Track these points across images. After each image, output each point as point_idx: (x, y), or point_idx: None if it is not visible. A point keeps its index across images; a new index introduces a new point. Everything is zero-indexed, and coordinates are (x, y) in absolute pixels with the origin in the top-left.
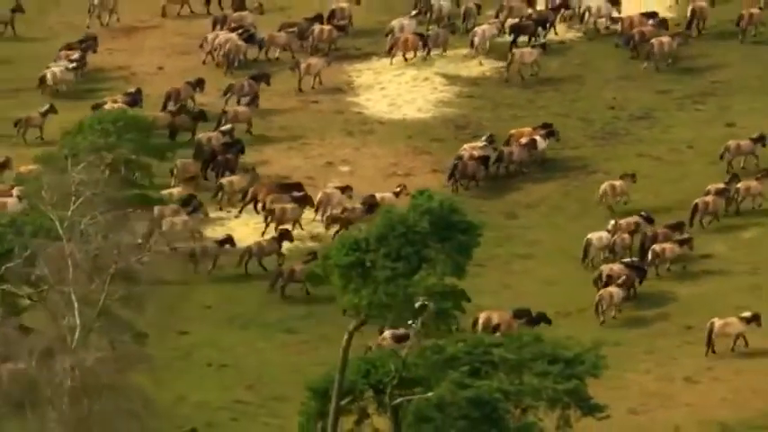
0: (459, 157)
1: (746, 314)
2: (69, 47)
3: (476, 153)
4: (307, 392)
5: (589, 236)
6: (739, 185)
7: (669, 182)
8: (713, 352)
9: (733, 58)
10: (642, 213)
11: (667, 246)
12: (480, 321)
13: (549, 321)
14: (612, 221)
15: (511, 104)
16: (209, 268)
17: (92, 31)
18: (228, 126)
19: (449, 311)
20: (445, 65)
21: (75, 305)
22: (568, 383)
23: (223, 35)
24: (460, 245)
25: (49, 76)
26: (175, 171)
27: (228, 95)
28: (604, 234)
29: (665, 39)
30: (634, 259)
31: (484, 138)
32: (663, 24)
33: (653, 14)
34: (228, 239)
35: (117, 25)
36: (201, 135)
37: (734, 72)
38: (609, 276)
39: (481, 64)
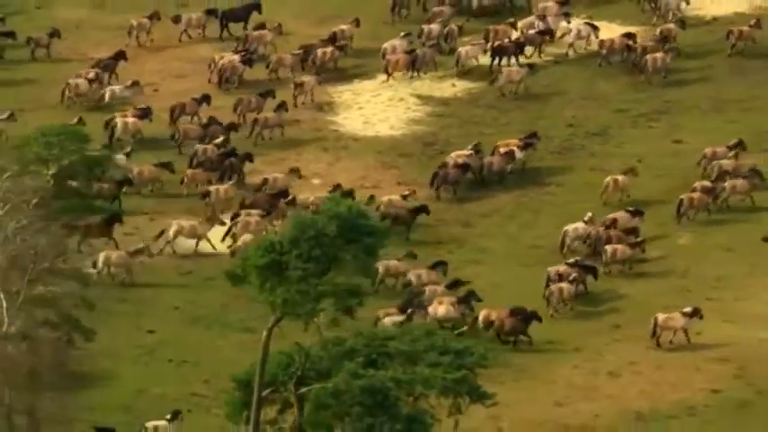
0: (444, 165)
1: (688, 309)
2: (98, 64)
3: (459, 161)
4: (232, 384)
5: (566, 227)
6: (726, 183)
7: None
8: (658, 345)
9: (688, 80)
10: (629, 208)
11: (619, 247)
12: (480, 318)
13: (539, 319)
14: (589, 214)
15: (478, 123)
16: None
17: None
18: (221, 138)
19: (353, 308)
20: (420, 86)
21: (4, 303)
22: (457, 373)
23: (228, 56)
24: (367, 247)
25: (108, 93)
26: (185, 180)
27: (239, 110)
28: (580, 225)
29: (659, 54)
30: (578, 259)
31: (470, 147)
32: (665, 40)
33: (631, 35)
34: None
35: (148, 46)
36: (197, 147)
37: (687, 92)
38: (560, 276)
39: (454, 85)
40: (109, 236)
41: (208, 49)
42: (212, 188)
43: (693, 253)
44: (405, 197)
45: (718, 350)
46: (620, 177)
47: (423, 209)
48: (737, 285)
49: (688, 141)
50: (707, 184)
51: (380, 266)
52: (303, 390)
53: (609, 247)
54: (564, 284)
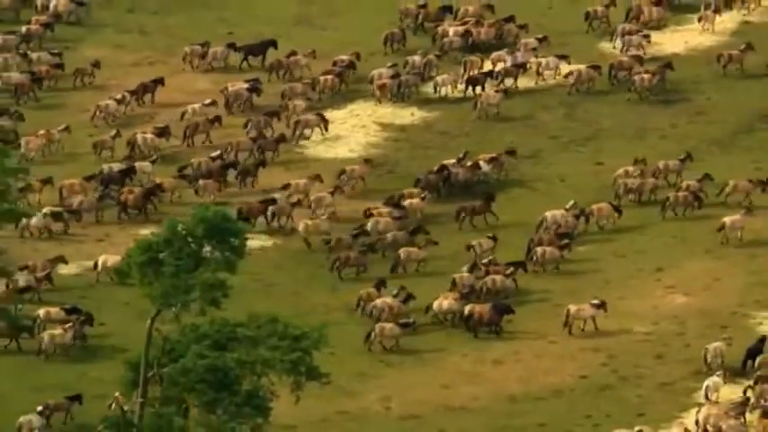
0: (430, 172)
1: (596, 301)
2: (138, 88)
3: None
4: (124, 366)
5: (546, 213)
6: (730, 182)
7: (538, 206)
8: (570, 333)
9: (619, 110)
10: (612, 202)
11: (548, 249)
12: (466, 311)
13: (512, 311)
14: (572, 201)
15: (427, 147)
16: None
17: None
18: (218, 152)
19: (218, 300)
20: (383, 114)
21: None
22: (293, 355)
23: (238, 85)
24: (231, 246)
25: (189, 110)
26: (199, 190)
27: (249, 128)
28: (558, 212)
29: (647, 75)
30: (491, 259)
31: (460, 155)
32: (668, 66)
33: (597, 66)
34: (363, 232)
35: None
36: (193, 160)
37: (617, 120)
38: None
39: (413, 114)
40: None
41: (208, 79)
42: (293, 182)
43: (587, 259)
44: (423, 198)
45: (592, 341)
46: (630, 168)
47: (491, 196)
48: (622, 286)
49: (608, 163)
50: (692, 183)
51: (402, 253)
52: (164, 369)
53: (539, 249)
54: (497, 276)
